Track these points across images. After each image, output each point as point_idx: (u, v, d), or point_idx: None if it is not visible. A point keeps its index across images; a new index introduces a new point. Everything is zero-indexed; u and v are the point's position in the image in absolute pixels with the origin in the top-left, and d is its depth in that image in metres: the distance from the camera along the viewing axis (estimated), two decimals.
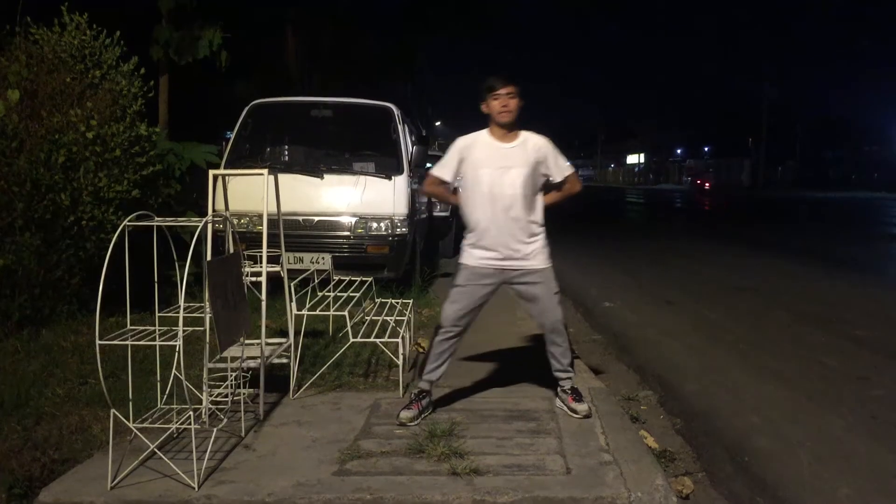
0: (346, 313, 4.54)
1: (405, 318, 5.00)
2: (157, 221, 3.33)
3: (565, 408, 4.09)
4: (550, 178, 4.13)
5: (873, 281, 10.06)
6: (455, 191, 4.24)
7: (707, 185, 57.74)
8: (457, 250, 13.87)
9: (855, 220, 23.67)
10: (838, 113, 53.80)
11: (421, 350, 5.47)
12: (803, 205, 33.43)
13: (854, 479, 3.62)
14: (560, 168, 4.12)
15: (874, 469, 3.74)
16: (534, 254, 4.03)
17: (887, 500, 3.41)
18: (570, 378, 4.18)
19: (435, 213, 11.15)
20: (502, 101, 3.94)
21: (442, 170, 4.13)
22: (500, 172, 3.95)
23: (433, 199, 4.58)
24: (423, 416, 4.00)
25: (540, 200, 4.12)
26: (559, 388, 4.20)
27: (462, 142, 4.11)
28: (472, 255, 4.05)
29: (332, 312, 4.64)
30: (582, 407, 4.04)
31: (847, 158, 56.25)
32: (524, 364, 5.21)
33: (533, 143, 4.06)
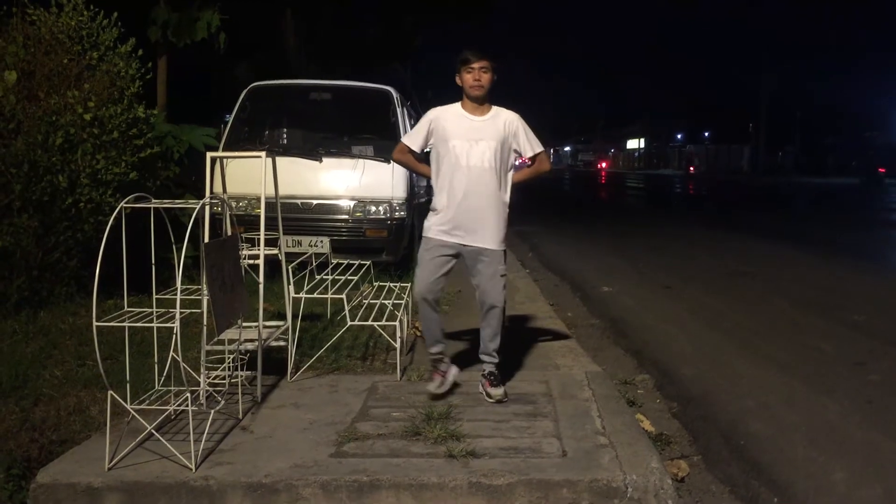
0: (343, 296, 4.55)
1: (403, 302, 5.01)
2: (154, 203, 3.33)
3: (483, 391, 4.08)
4: (521, 154, 4.14)
5: (871, 267, 10.07)
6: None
7: (602, 163, 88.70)
8: None
9: (853, 206, 23.64)
10: (838, 99, 53.57)
11: (418, 334, 5.48)
12: (802, 190, 33.38)
13: (848, 463, 3.64)
14: (531, 144, 4.13)
15: (869, 453, 3.76)
16: (492, 233, 4.03)
17: (881, 484, 3.43)
18: (492, 363, 4.16)
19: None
20: (475, 75, 3.96)
21: (411, 139, 4.15)
22: (470, 145, 3.96)
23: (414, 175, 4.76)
24: (447, 380, 4.10)
25: (509, 177, 4.13)
26: (482, 371, 4.17)
27: (433, 112, 4.13)
28: (433, 228, 4.07)
29: (330, 296, 4.65)
30: (497, 392, 4.01)
31: (846, 144, 56.07)
32: (521, 347, 5.22)
33: (504, 118, 4.07)
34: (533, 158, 4.19)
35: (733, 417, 4.29)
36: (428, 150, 4.15)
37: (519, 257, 10.51)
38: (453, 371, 4.19)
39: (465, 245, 4.04)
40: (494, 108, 4.09)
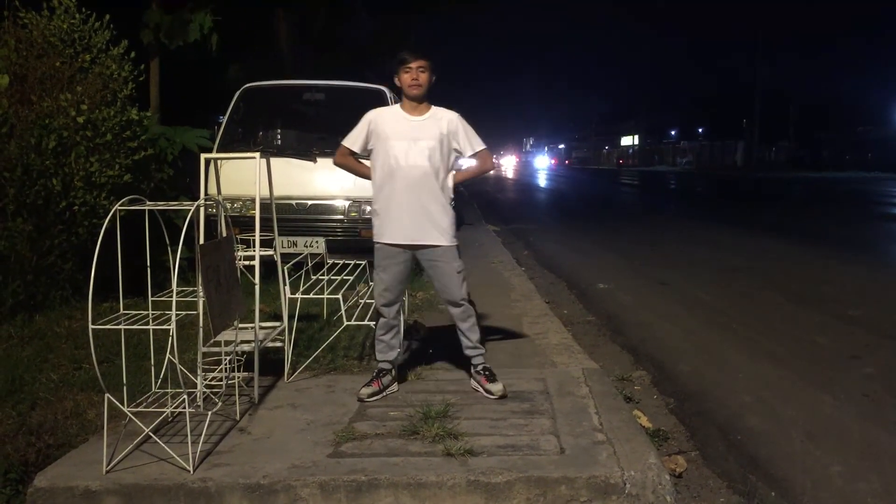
0: (340, 296, 4.54)
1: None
2: (149, 206, 3.32)
3: (481, 389, 4.09)
4: (461, 153, 4.14)
5: (866, 260, 10.09)
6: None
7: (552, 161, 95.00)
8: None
9: (848, 201, 23.69)
10: (832, 93, 53.67)
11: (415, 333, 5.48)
12: (796, 185, 33.43)
13: (845, 456, 3.65)
14: (470, 142, 4.13)
15: (865, 447, 3.77)
16: (439, 230, 4.03)
17: (878, 477, 3.44)
18: (481, 355, 4.18)
19: None
20: (413, 75, 3.97)
21: (351, 140, 4.15)
22: (408, 145, 3.97)
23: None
24: (384, 393, 4.06)
25: (450, 176, 4.13)
26: (472, 369, 4.19)
27: (372, 114, 4.14)
28: (381, 233, 4.07)
29: (326, 296, 4.64)
30: (496, 387, 4.02)
31: (841, 139, 56.20)
32: (518, 345, 5.23)
33: (443, 117, 4.08)
34: (474, 156, 4.19)
35: (730, 412, 4.30)
36: (369, 150, 4.14)
37: (515, 255, 10.51)
38: (393, 387, 4.17)
39: (416, 245, 4.04)
40: (434, 108, 4.10)
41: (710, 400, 4.53)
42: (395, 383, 4.19)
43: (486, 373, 4.13)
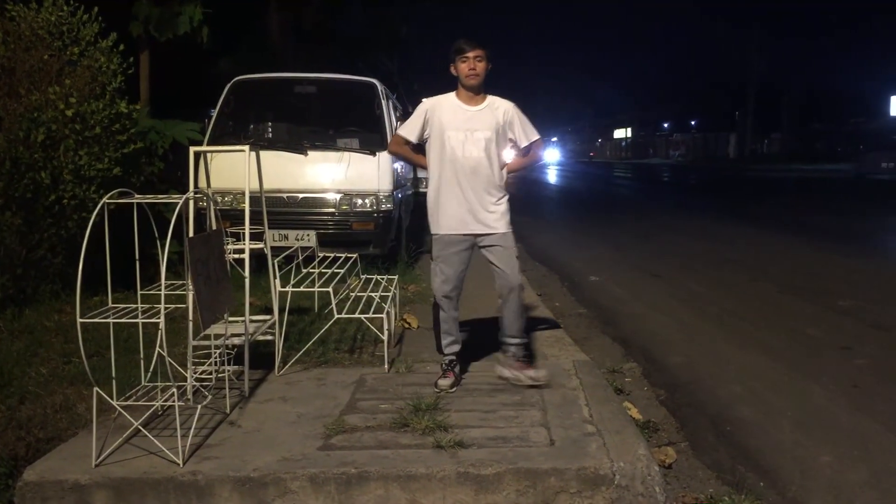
0: (330, 290, 4.53)
1: (390, 294, 5.00)
2: (138, 199, 3.31)
3: (521, 375, 4.04)
4: (516, 143, 4.15)
5: (857, 252, 10.12)
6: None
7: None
8: None
9: (840, 192, 23.73)
10: (824, 85, 53.66)
11: (407, 326, 5.48)
12: (789, 178, 33.47)
13: (835, 447, 3.67)
14: (526, 133, 4.14)
15: (855, 437, 3.79)
16: (496, 218, 4.04)
17: (868, 467, 3.45)
18: (523, 343, 4.17)
19: (421, 189, 11.12)
20: (470, 65, 3.95)
21: (407, 129, 4.14)
22: (465, 135, 3.97)
23: (414, 167, 4.84)
24: (459, 382, 4.09)
25: (503, 166, 4.14)
26: (504, 354, 4.17)
27: (428, 102, 4.12)
28: (439, 224, 4.08)
29: (317, 289, 4.64)
30: (540, 373, 4.03)
31: (833, 131, 56.22)
32: None
33: (500, 107, 4.08)
34: (528, 147, 4.19)
35: (720, 403, 4.31)
36: (425, 140, 4.15)
37: None
38: (457, 370, 4.18)
39: (475, 234, 4.06)
40: (489, 98, 4.10)
41: (701, 391, 4.55)
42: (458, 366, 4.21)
43: (526, 359, 4.12)
